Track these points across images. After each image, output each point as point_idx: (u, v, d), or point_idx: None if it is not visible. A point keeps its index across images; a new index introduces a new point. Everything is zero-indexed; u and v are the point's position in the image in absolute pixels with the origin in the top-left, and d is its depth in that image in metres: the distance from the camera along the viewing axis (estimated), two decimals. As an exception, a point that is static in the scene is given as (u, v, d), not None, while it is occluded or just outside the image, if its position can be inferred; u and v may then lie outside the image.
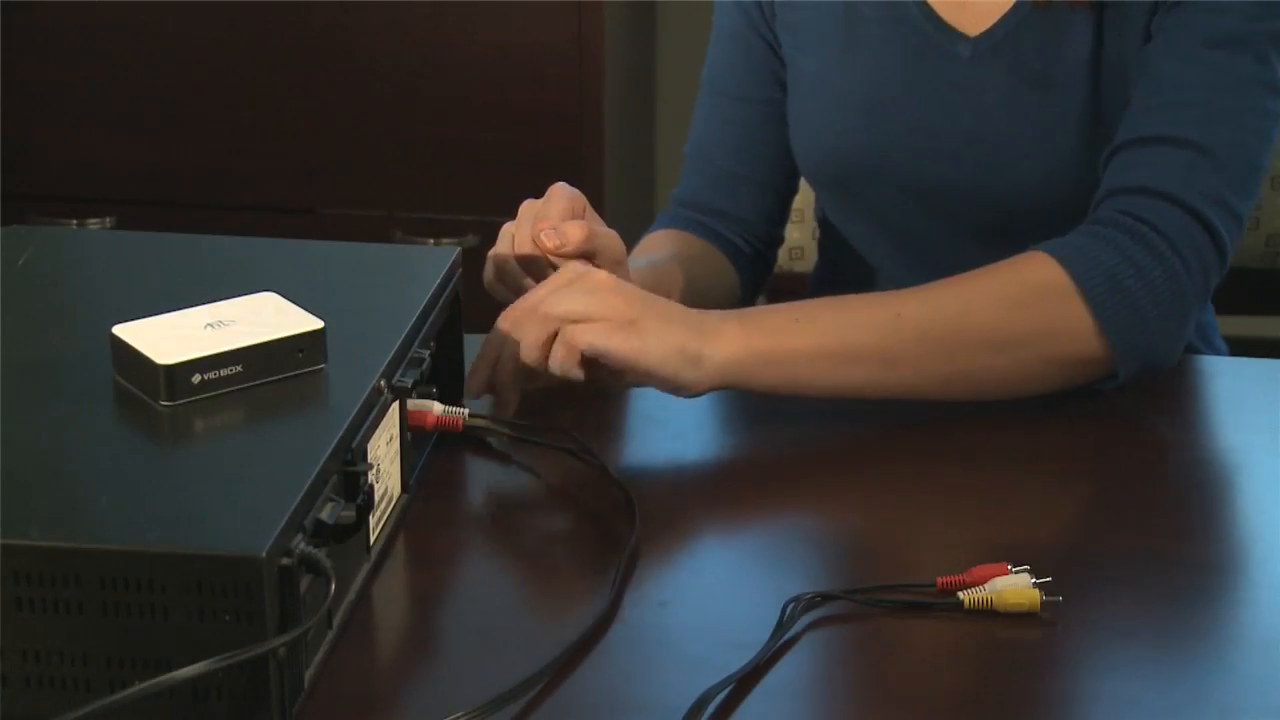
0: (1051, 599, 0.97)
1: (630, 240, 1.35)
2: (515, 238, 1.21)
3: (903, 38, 1.41)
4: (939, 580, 0.98)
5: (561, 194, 1.22)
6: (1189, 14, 1.29)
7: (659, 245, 1.46)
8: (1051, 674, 0.93)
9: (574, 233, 1.19)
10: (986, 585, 0.98)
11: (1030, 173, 1.38)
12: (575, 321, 1.13)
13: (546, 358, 1.14)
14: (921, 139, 1.41)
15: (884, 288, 1.47)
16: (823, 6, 1.45)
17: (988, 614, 0.97)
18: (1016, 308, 1.19)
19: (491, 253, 1.23)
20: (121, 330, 1.01)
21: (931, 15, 1.40)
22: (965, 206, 1.42)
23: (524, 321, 1.15)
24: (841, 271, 1.56)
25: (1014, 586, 0.97)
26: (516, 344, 1.15)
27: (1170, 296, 1.21)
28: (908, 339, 1.17)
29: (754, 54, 1.50)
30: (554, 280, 1.16)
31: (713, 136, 1.52)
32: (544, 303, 1.14)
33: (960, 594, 0.97)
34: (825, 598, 0.97)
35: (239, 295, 1.05)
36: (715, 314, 1.17)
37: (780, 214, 1.56)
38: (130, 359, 1.00)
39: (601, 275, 1.16)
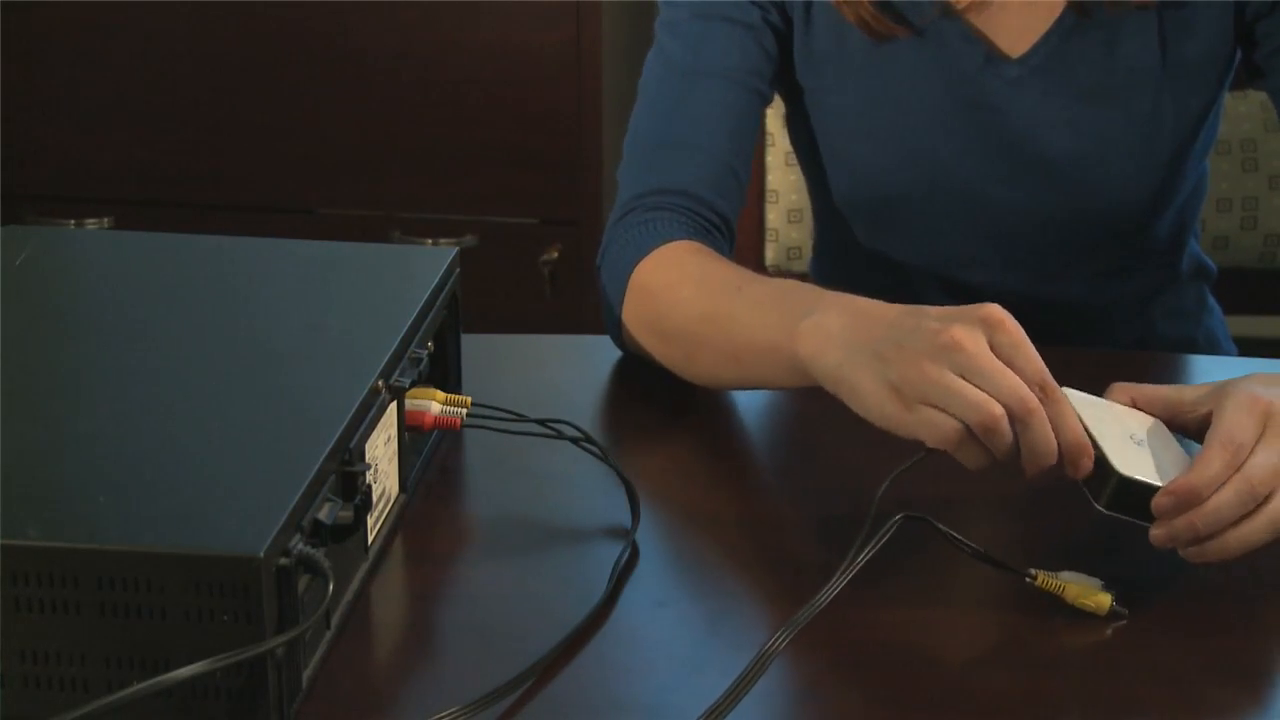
0: (1120, 610, 0.96)
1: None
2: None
3: (940, 64, 1.36)
4: None
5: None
6: None
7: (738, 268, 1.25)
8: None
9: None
10: (1060, 574, 0.97)
11: (1096, 189, 1.35)
12: None
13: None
14: (972, 166, 1.37)
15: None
16: (846, 40, 1.37)
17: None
18: None
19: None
20: None
21: (970, 38, 1.35)
22: (1018, 231, 1.39)
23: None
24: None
25: (1083, 583, 0.97)
26: None
27: None
28: None
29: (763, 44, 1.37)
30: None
31: (721, 125, 1.35)
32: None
33: (1034, 571, 0.96)
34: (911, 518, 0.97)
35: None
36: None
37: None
38: None
39: None
